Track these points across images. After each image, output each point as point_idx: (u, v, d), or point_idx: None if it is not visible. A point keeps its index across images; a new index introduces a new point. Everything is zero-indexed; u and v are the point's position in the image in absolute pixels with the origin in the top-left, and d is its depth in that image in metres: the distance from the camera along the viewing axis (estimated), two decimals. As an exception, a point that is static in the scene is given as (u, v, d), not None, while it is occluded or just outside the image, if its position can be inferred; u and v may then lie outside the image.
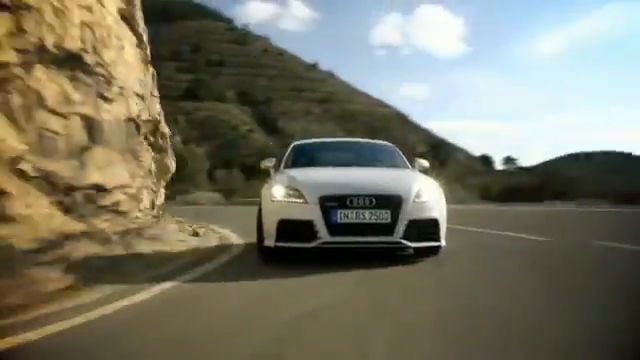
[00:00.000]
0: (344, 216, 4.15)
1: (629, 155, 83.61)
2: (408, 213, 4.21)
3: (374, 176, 4.83)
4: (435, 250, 4.54)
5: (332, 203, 4.16)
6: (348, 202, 4.15)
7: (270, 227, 4.35)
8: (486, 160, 49.41)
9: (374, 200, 4.18)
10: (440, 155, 68.95)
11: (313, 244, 4.14)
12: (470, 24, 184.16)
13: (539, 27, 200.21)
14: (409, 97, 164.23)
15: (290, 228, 4.25)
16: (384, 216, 4.17)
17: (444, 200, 4.63)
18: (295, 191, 4.34)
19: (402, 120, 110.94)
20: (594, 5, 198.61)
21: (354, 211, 4.15)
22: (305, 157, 5.61)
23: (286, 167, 5.31)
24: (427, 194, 4.42)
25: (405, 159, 5.62)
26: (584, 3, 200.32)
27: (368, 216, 4.16)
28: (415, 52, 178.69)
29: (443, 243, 4.45)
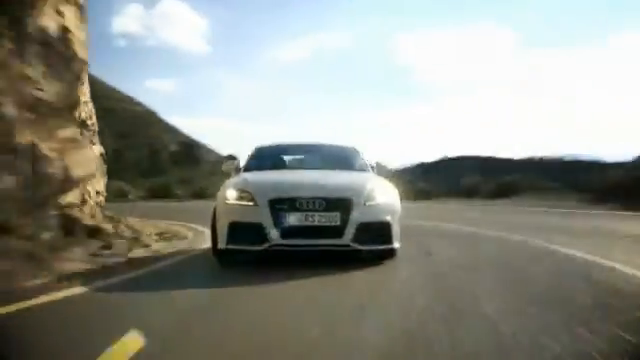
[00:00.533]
0: (293, 218, 4.16)
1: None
2: (358, 216, 4.23)
3: (327, 179, 4.81)
4: (392, 252, 4.56)
5: (282, 206, 4.18)
6: (298, 205, 4.17)
7: (222, 229, 4.40)
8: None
9: (324, 203, 4.20)
10: (193, 155, 69.97)
11: (263, 247, 4.17)
12: (215, 25, 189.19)
13: (282, 35, 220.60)
14: (155, 92, 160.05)
15: (241, 230, 4.28)
16: (334, 219, 4.18)
17: (399, 203, 4.66)
18: (247, 193, 4.37)
19: (155, 119, 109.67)
20: (332, 20, 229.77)
21: (303, 214, 4.16)
22: (265, 160, 5.73)
23: (246, 170, 5.42)
24: (380, 197, 4.44)
25: (366, 162, 5.76)
26: (325, 18, 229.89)
27: (317, 219, 4.17)
28: (159, 46, 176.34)
29: (396, 246, 4.45)
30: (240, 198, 4.41)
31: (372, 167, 5.72)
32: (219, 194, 4.70)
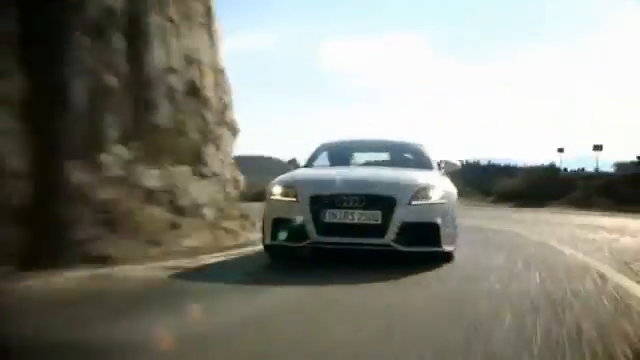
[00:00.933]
0: (332, 216, 4.19)
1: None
2: (402, 215, 4.17)
3: (375, 176, 4.83)
4: (447, 256, 4.49)
5: (322, 202, 4.24)
6: (337, 202, 4.20)
7: (267, 225, 4.58)
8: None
9: (364, 200, 4.18)
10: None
11: (302, 244, 4.28)
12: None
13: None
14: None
15: (283, 226, 4.38)
16: (374, 217, 4.15)
17: (454, 204, 4.67)
18: (290, 189, 4.50)
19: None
20: (253, 22, 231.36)
21: (343, 211, 4.18)
22: (325, 157, 5.87)
23: (305, 166, 5.58)
24: (431, 197, 4.37)
25: (430, 159, 5.60)
26: (245, 19, 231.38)
27: (357, 216, 4.16)
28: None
29: (446, 249, 4.36)
30: (284, 194, 4.56)
31: (439, 165, 5.64)
32: (267, 189, 4.89)
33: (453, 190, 4.89)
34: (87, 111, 6.72)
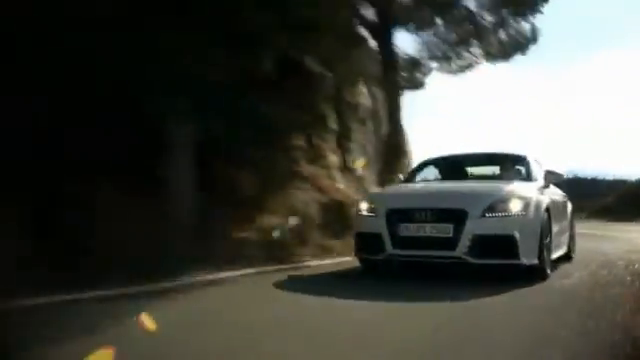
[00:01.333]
0: (407, 230, 4.41)
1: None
2: (474, 228, 4.22)
3: (453, 190, 4.96)
4: (538, 272, 4.42)
5: (397, 216, 4.49)
6: (411, 216, 4.42)
7: (354, 238, 5.06)
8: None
9: (436, 214, 4.33)
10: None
11: (380, 256, 4.57)
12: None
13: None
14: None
15: (365, 240, 4.81)
16: (446, 230, 4.27)
17: (541, 216, 4.52)
18: (372, 205, 4.81)
19: None
20: None
21: (416, 224, 4.37)
22: (422, 172, 6.09)
23: (405, 181, 5.84)
24: (510, 208, 4.32)
25: (532, 170, 5.47)
26: None
27: (429, 230, 4.33)
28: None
29: (526, 261, 4.27)
30: (367, 209, 4.92)
31: (545, 176, 5.42)
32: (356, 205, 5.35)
33: (545, 201, 4.80)
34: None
